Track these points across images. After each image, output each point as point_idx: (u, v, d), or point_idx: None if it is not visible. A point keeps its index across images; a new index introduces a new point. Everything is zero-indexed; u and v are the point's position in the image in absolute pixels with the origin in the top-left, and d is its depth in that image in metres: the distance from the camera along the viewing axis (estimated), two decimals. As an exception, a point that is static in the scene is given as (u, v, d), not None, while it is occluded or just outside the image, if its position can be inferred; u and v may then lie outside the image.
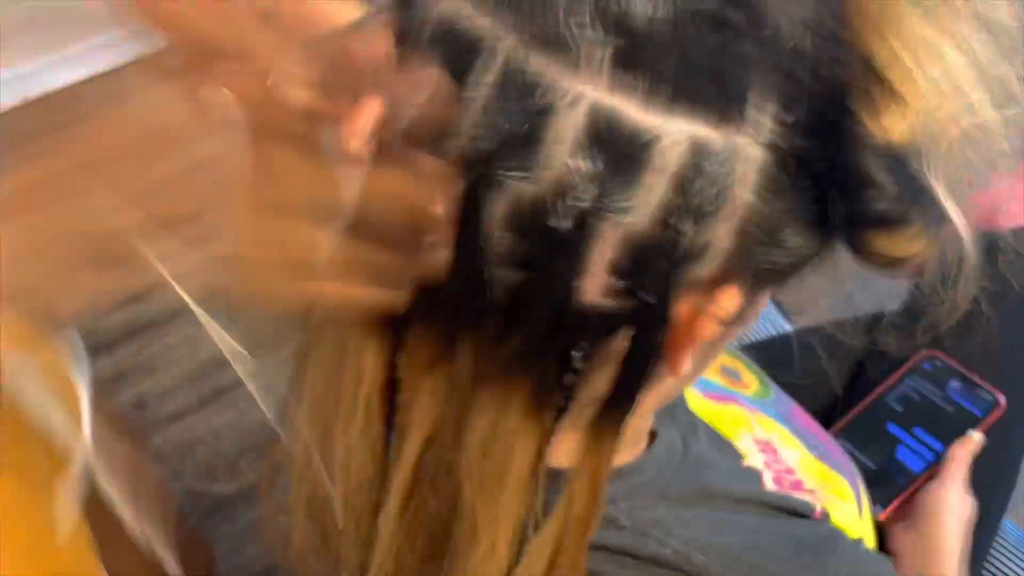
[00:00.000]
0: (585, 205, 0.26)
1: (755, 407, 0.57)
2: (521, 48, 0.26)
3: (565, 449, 0.34)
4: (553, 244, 0.27)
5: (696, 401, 0.53)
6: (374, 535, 0.37)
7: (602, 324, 0.30)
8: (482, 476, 0.33)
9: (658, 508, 0.41)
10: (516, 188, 0.27)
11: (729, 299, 0.31)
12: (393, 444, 0.36)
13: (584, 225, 0.27)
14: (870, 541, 0.57)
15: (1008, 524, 0.77)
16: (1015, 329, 0.73)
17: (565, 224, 0.27)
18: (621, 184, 0.26)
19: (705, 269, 0.29)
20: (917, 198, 0.29)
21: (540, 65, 0.26)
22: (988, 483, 0.68)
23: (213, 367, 1.20)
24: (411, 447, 0.34)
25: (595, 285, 0.29)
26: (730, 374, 0.60)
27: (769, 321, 0.92)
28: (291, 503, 0.43)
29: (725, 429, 0.53)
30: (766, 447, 0.53)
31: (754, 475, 0.50)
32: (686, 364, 0.33)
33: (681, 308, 0.31)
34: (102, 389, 0.32)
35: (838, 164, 0.29)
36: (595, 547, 0.40)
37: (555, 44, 0.26)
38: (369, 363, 0.34)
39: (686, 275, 0.29)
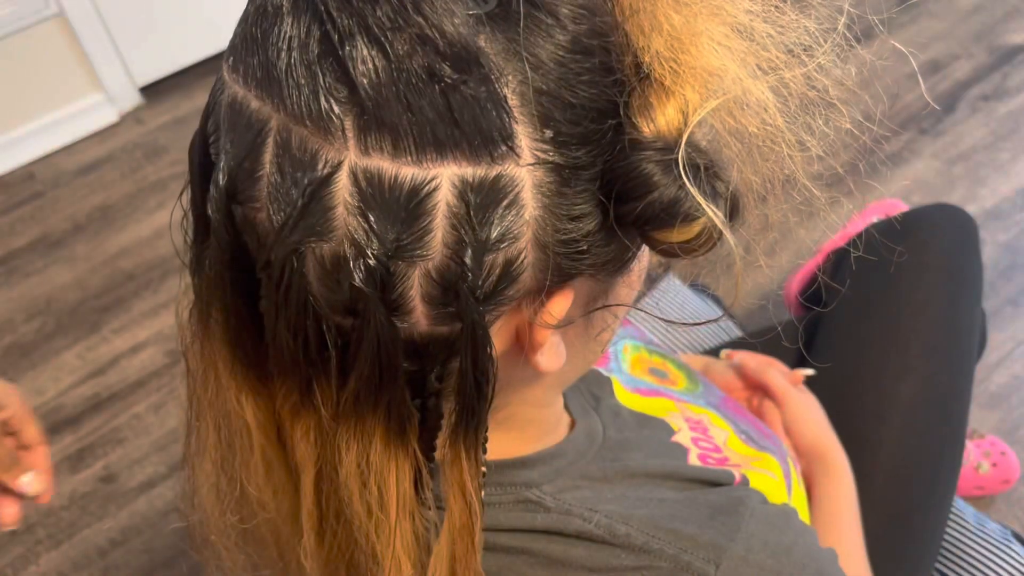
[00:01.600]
0: (377, 255, 0.28)
1: (684, 398, 0.58)
2: (285, 126, 0.28)
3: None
4: (362, 290, 0.29)
5: (625, 397, 0.54)
6: (302, 569, 0.38)
7: (441, 347, 0.31)
8: (368, 504, 0.34)
9: (581, 488, 0.42)
10: (317, 249, 0.29)
11: (559, 304, 0.32)
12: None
13: (385, 269, 0.28)
14: (803, 516, 0.57)
15: (991, 524, 0.78)
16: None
17: (359, 275, 0.28)
18: (401, 232, 0.28)
19: (517, 286, 0.30)
20: (689, 187, 0.29)
21: (302, 139, 0.28)
22: (934, 460, 0.70)
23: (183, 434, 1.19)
24: (306, 485, 0.35)
25: (419, 315, 0.30)
26: (658, 374, 0.61)
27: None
28: (217, 532, 0.43)
29: (655, 411, 0.54)
30: (696, 425, 0.54)
31: (680, 450, 0.51)
32: (550, 361, 0.34)
33: (512, 320, 0.33)
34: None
35: (614, 165, 0.30)
36: (524, 530, 0.41)
37: (309, 117, 0.27)
38: (251, 415, 0.35)
39: (499, 295, 0.30)
